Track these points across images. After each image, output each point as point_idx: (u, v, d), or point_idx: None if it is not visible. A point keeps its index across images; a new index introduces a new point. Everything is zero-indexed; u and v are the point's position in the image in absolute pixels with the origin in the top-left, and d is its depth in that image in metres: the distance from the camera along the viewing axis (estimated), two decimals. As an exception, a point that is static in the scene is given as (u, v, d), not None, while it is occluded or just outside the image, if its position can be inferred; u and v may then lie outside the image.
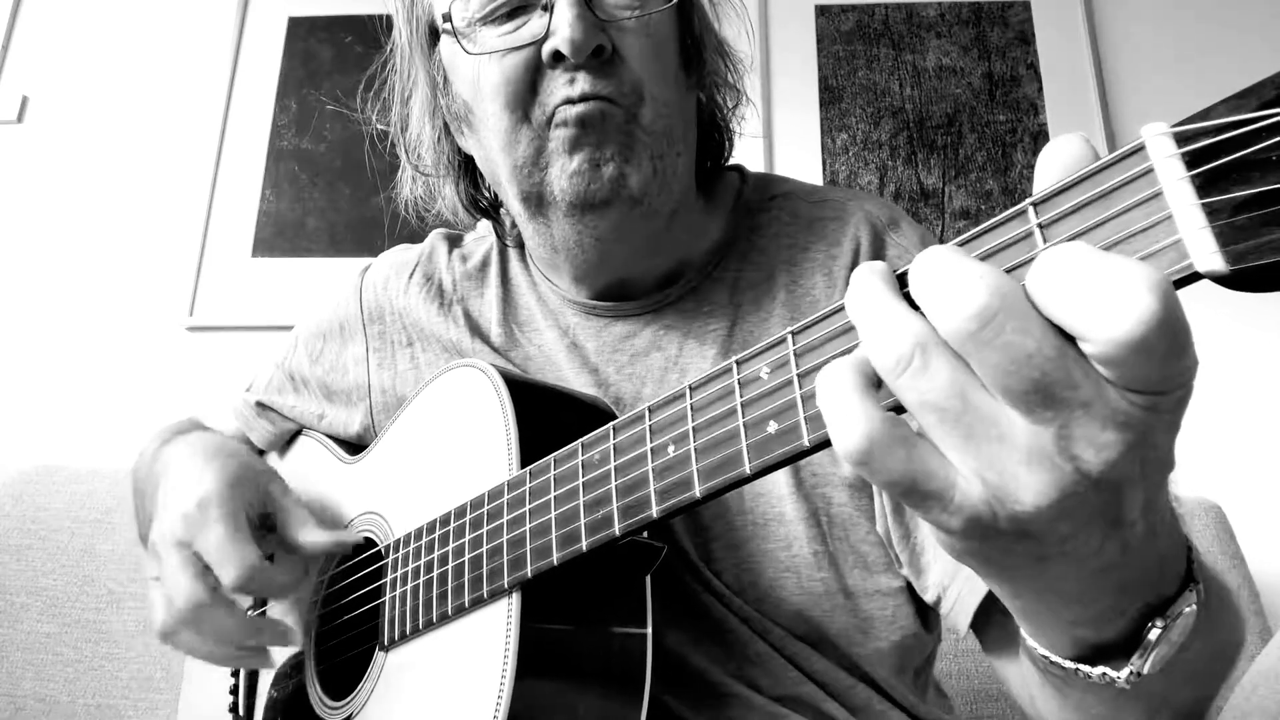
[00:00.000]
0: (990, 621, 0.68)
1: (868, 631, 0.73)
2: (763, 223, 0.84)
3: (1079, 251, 0.30)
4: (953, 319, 0.32)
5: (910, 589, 0.75)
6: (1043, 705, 0.60)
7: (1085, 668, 0.43)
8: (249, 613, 0.85)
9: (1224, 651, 0.53)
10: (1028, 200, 0.34)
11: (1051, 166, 0.34)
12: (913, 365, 0.33)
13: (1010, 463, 0.33)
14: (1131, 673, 0.42)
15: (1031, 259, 0.34)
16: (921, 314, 0.34)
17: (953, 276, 0.32)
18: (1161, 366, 0.30)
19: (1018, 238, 0.34)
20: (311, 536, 0.74)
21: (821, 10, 2.04)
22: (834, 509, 0.74)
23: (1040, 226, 0.33)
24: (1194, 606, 0.42)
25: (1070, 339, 0.31)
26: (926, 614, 0.76)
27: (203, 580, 0.70)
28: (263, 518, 0.77)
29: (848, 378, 0.35)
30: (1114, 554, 0.37)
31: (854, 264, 0.78)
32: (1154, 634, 0.41)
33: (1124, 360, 0.30)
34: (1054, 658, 0.45)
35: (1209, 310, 1.56)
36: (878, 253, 0.78)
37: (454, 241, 0.95)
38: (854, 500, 0.74)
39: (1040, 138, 1.90)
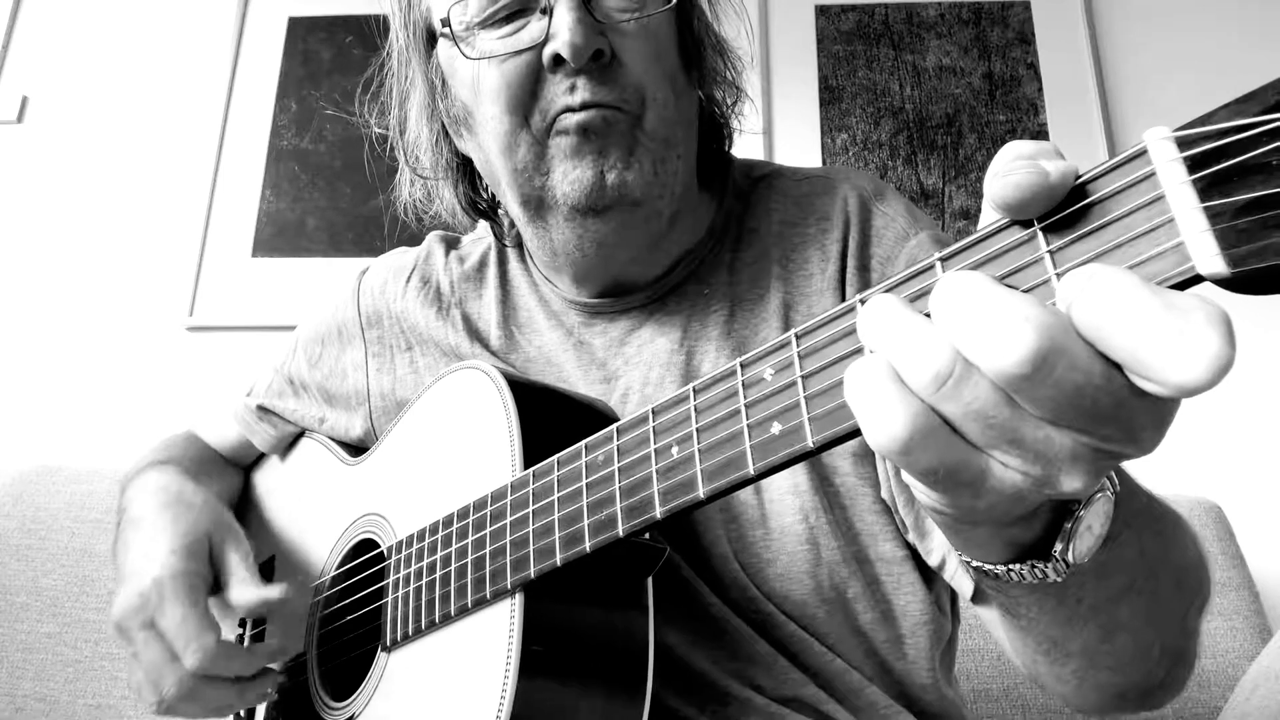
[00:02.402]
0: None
1: (878, 598, 0.74)
2: (753, 204, 0.85)
3: (1134, 290, 0.30)
4: (998, 362, 0.31)
5: (914, 559, 0.75)
6: (1008, 643, 0.61)
7: (1017, 566, 0.45)
8: (245, 638, 0.87)
9: (1165, 563, 0.54)
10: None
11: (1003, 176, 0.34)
12: (954, 378, 0.33)
13: (1054, 459, 0.33)
14: (1058, 560, 0.43)
15: (1038, 260, 0.34)
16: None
17: (995, 318, 0.31)
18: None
19: (1020, 241, 0.34)
20: (239, 597, 0.77)
21: (821, 10, 2.04)
22: (838, 478, 0.74)
23: (1043, 230, 0.34)
24: (1108, 492, 0.44)
25: (1115, 364, 0.31)
26: (931, 585, 0.76)
27: (180, 662, 0.73)
28: (219, 578, 0.80)
29: (882, 369, 0.34)
30: None
31: (845, 236, 0.78)
32: (1070, 522, 0.43)
33: (1185, 394, 0.30)
34: (989, 567, 0.46)
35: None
36: (865, 223, 0.79)
37: (451, 244, 0.95)
38: (857, 470, 0.74)
39: (1040, 138, 1.90)
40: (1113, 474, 0.45)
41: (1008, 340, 0.30)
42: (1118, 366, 0.31)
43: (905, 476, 0.38)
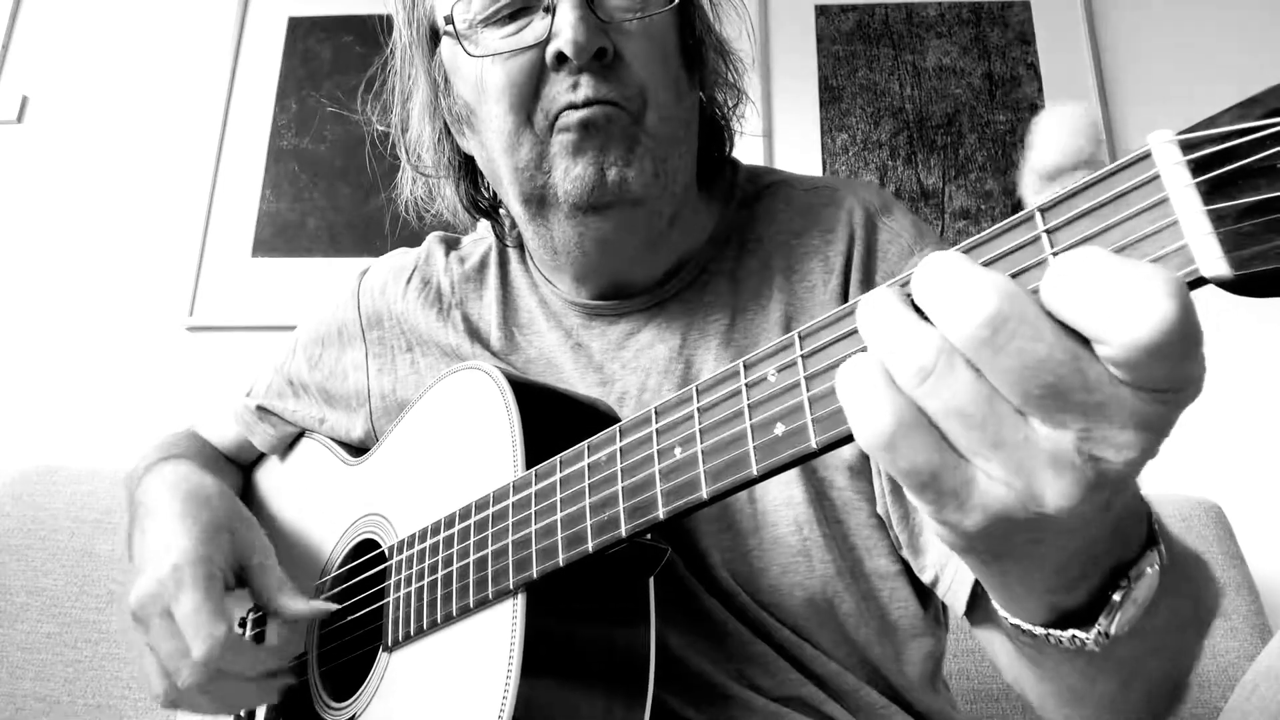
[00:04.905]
0: (980, 595, 0.68)
1: (872, 612, 0.74)
2: (758, 212, 0.84)
3: (1095, 256, 0.31)
4: (964, 326, 0.32)
5: (908, 573, 0.75)
6: (1022, 678, 0.61)
7: (1056, 632, 0.44)
8: (247, 634, 0.86)
9: (1191, 618, 0.54)
10: (1035, 205, 0.34)
11: (1050, 141, 0.35)
12: (935, 372, 0.33)
13: (1035, 467, 0.33)
14: (1100, 633, 0.43)
15: (1042, 262, 0.34)
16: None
17: (961, 284, 0.33)
18: (1178, 367, 0.31)
19: (1025, 242, 0.34)
20: (293, 608, 0.76)
21: (821, 10, 2.05)
22: (834, 492, 0.74)
23: (1047, 232, 0.34)
24: (1156, 566, 0.43)
25: (1084, 343, 0.32)
26: (927, 601, 0.76)
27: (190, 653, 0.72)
28: (239, 572, 0.79)
29: (872, 366, 0.35)
30: (1101, 532, 0.39)
31: (849, 250, 0.78)
32: (1119, 595, 0.42)
33: (1141, 363, 0.30)
34: (1026, 626, 0.46)
35: (1208, 310, 1.56)
36: (871, 237, 0.79)
37: (451, 244, 0.95)
38: (853, 484, 0.74)
39: (1040, 138, 1.90)
40: (1161, 547, 0.44)
41: (970, 302, 0.32)
42: (1085, 344, 0.31)
43: (907, 493, 0.39)
